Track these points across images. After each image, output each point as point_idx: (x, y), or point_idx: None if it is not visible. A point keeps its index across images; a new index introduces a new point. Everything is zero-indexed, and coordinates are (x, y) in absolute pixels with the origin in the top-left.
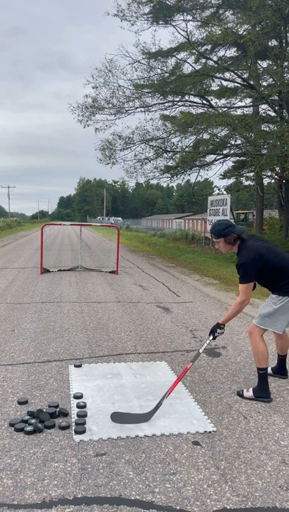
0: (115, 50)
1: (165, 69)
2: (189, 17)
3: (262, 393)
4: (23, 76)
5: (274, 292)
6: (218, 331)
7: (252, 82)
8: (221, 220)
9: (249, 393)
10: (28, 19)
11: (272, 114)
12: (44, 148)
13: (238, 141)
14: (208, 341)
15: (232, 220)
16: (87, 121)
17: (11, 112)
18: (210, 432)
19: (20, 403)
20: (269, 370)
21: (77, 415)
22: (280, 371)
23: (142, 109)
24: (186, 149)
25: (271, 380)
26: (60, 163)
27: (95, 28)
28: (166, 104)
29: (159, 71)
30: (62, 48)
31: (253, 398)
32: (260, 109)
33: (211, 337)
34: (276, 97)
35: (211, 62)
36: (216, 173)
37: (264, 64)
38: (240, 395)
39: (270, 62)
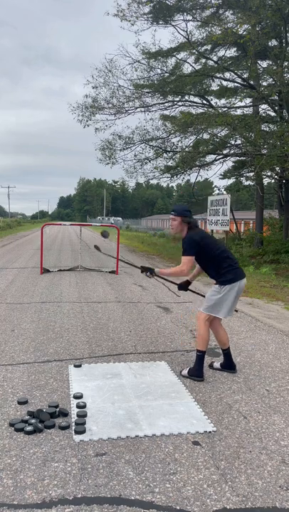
0: (115, 50)
1: (165, 69)
2: (189, 17)
3: (195, 372)
4: (9, 72)
5: (217, 282)
6: (148, 274)
7: (252, 82)
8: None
9: (184, 371)
10: (11, 11)
11: (273, 114)
12: (40, 147)
13: (238, 141)
14: (130, 264)
15: (231, 219)
16: (87, 121)
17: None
18: (210, 431)
19: (20, 403)
20: (218, 365)
21: (77, 415)
22: (228, 365)
23: (142, 109)
24: (186, 149)
25: (272, 379)
26: (59, 162)
27: (80, 22)
28: (166, 104)
29: (159, 71)
30: (47, 42)
31: (187, 376)
32: (260, 109)
33: (141, 270)
34: (276, 97)
35: (211, 62)
36: (216, 173)
37: (264, 64)
38: (180, 372)
39: (270, 62)
